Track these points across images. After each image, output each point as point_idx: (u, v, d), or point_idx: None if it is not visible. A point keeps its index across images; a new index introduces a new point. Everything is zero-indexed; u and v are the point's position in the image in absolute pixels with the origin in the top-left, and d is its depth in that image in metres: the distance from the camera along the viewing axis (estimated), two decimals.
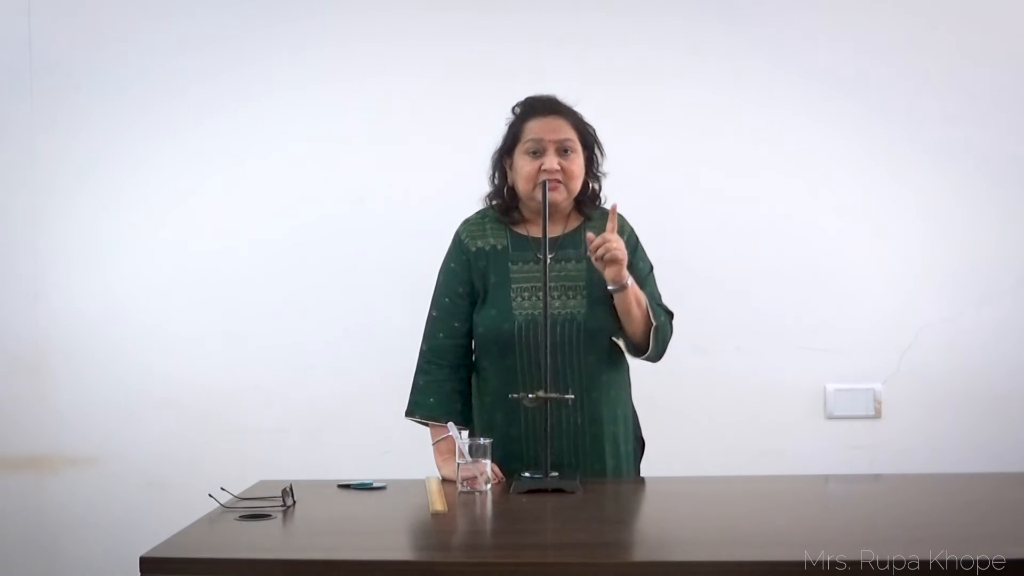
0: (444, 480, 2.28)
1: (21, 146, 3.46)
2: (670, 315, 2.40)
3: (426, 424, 2.39)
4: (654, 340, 2.30)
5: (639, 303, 2.28)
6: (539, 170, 2.28)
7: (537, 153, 2.30)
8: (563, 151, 2.30)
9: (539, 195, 2.25)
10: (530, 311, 2.31)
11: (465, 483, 2.18)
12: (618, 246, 2.20)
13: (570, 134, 2.31)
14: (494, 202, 2.40)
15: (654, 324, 2.29)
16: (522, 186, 2.32)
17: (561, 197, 2.31)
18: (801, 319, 3.42)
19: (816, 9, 3.42)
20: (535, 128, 2.31)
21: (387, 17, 3.43)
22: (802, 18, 3.41)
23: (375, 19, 3.43)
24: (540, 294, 2.27)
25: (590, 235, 2.24)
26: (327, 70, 3.44)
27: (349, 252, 3.43)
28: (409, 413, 2.40)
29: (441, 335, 2.39)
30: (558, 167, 2.28)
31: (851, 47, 3.41)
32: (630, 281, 2.25)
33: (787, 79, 3.41)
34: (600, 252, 2.19)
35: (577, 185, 2.33)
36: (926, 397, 3.40)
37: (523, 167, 2.30)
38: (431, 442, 2.39)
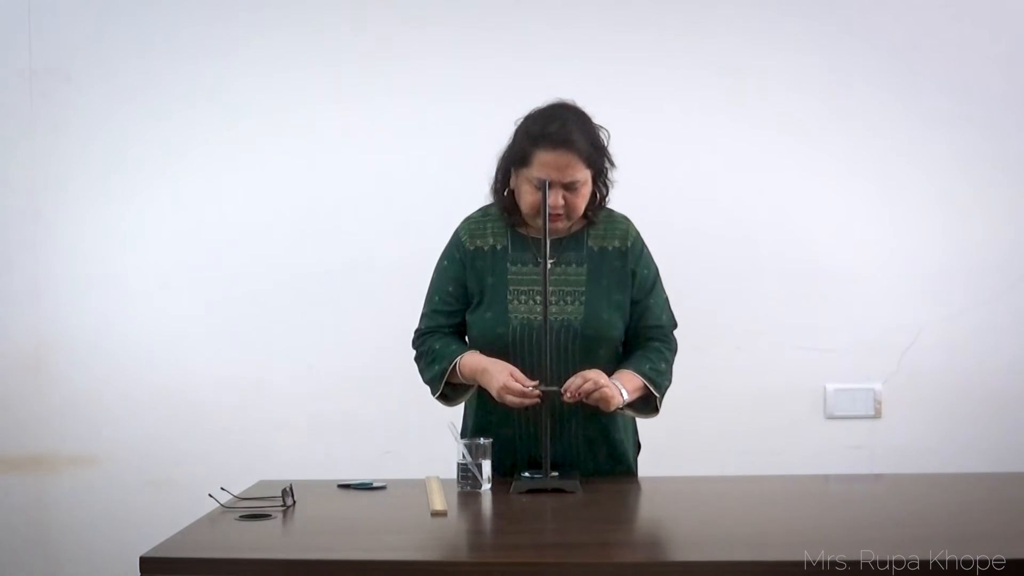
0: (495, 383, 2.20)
1: (21, 146, 3.46)
2: (672, 350, 2.38)
3: (456, 384, 2.32)
4: (659, 404, 2.32)
5: (639, 390, 2.27)
6: (541, 200, 2.20)
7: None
8: (570, 186, 2.24)
9: (540, 223, 2.22)
10: (526, 315, 2.28)
11: (465, 483, 2.18)
12: (607, 391, 2.17)
13: (578, 172, 2.23)
14: (499, 200, 2.35)
15: (659, 396, 2.30)
16: (524, 210, 2.29)
17: (562, 226, 2.29)
18: (801, 319, 3.42)
19: (818, 8, 3.42)
20: (544, 162, 2.21)
21: (388, 12, 3.43)
22: (804, 17, 3.41)
23: (376, 14, 3.43)
24: (538, 298, 2.26)
25: (569, 384, 2.18)
26: (327, 69, 3.43)
27: (349, 251, 3.43)
28: (441, 374, 2.29)
29: (428, 329, 2.38)
30: (562, 203, 2.24)
31: (854, 45, 3.41)
32: (625, 394, 2.23)
33: (788, 79, 3.41)
34: (592, 394, 2.17)
35: (580, 211, 2.29)
36: (926, 397, 3.40)
37: (526, 195, 2.26)
38: (466, 380, 2.29)
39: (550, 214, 2.22)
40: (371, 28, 3.44)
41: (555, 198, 2.22)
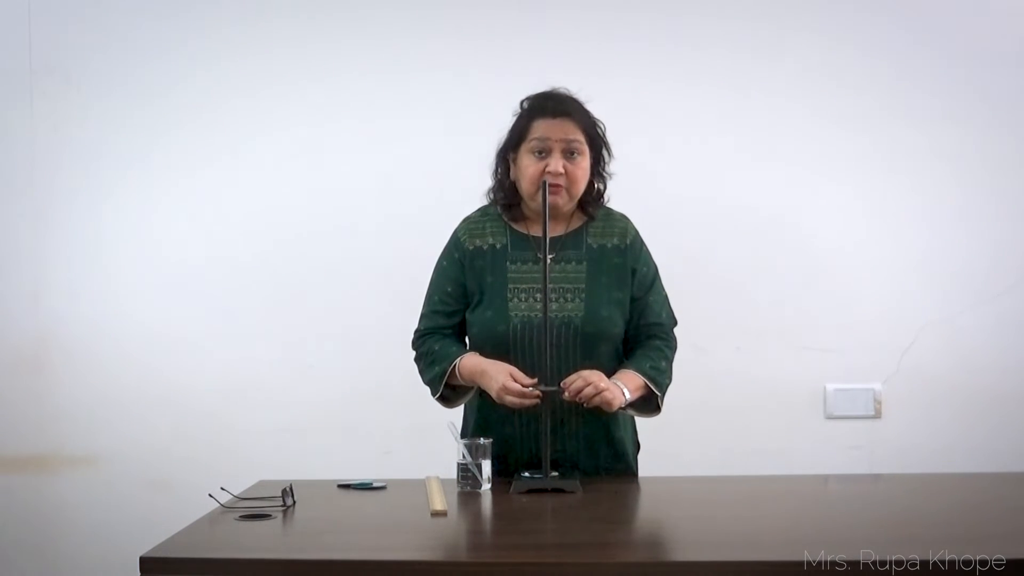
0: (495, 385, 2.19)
1: (21, 146, 3.46)
2: (672, 347, 2.37)
3: (455, 386, 2.33)
4: (661, 403, 2.32)
5: (640, 389, 2.27)
6: (543, 171, 2.24)
7: (542, 153, 2.25)
8: (569, 153, 2.26)
9: (540, 199, 2.22)
10: (526, 313, 2.28)
11: (465, 483, 2.18)
12: (607, 395, 2.17)
13: (578, 136, 2.26)
14: (498, 195, 2.37)
15: (660, 395, 2.29)
16: (524, 186, 2.29)
17: (563, 201, 2.29)
18: (801, 319, 3.42)
19: (817, 8, 3.42)
20: (542, 128, 2.26)
21: (385, 16, 3.43)
22: (803, 17, 3.41)
23: (373, 18, 3.43)
24: (538, 295, 2.26)
25: (569, 384, 2.17)
26: (325, 70, 3.44)
27: (348, 252, 3.43)
28: (441, 375, 2.29)
29: (428, 329, 2.38)
30: (562, 170, 2.24)
31: (852, 46, 3.41)
32: (627, 393, 2.23)
33: (788, 78, 3.41)
34: (593, 399, 2.17)
35: (580, 189, 2.30)
36: (926, 397, 3.40)
37: (527, 167, 2.27)
38: (465, 382, 2.29)
39: (551, 184, 2.23)
40: (371, 30, 3.44)
41: (556, 164, 2.23)
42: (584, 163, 2.28)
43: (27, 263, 3.47)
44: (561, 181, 2.25)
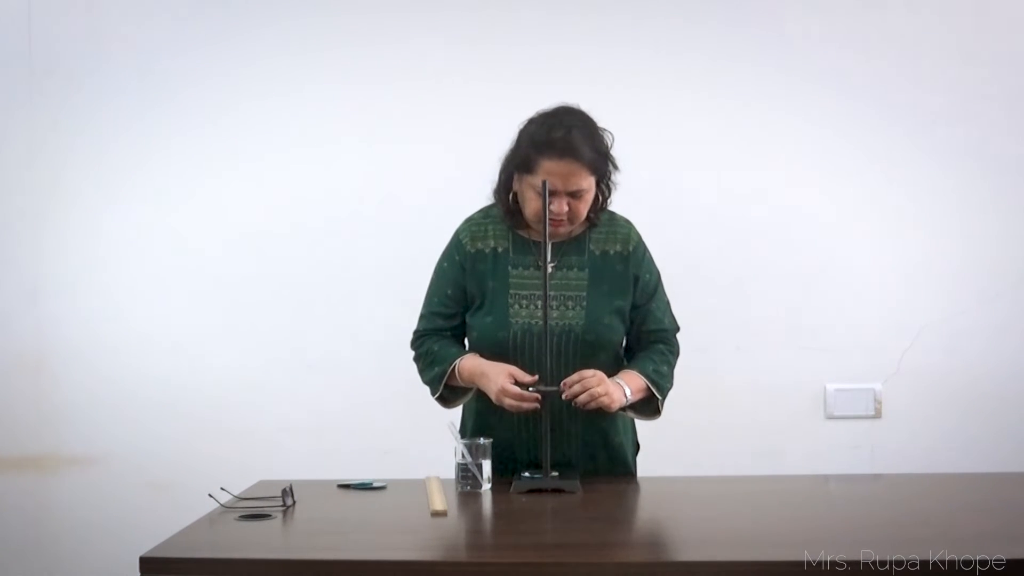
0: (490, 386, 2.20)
1: (21, 146, 3.46)
2: (675, 353, 2.38)
3: (454, 387, 2.32)
4: (661, 407, 2.33)
5: (642, 391, 2.27)
6: (542, 207, 2.19)
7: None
8: (573, 194, 2.22)
9: (542, 228, 2.19)
10: (527, 320, 2.28)
11: (465, 483, 2.18)
12: (605, 399, 2.17)
13: (582, 181, 2.21)
14: (500, 199, 2.34)
15: (660, 398, 2.29)
16: (528, 215, 2.28)
17: (564, 231, 2.29)
18: (801, 319, 3.42)
19: (816, 9, 3.42)
20: (548, 170, 2.18)
21: (384, 19, 3.43)
22: (802, 18, 3.41)
23: (372, 21, 3.43)
24: (539, 303, 2.25)
25: (568, 386, 2.18)
26: (325, 70, 3.44)
27: (349, 252, 3.43)
28: (440, 376, 2.29)
29: (426, 331, 2.38)
30: (566, 209, 2.22)
31: (852, 47, 3.41)
32: (628, 393, 2.23)
33: (787, 79, 3.41)
34: (587, 403, 2.16)
35: (583, 217, 2.28)
36: (926, 397, 3.40)
37: (530, 201, 2.24)
38: (465, 383, 2.29)
39: (553, 220, 2.21)
40: (374, 33, 3.43)
41: (559, 205, 2.21)
42: (588, 196, 2.25)
43: (27, 263, 3.47)
44: (564, 217, 2.24)
